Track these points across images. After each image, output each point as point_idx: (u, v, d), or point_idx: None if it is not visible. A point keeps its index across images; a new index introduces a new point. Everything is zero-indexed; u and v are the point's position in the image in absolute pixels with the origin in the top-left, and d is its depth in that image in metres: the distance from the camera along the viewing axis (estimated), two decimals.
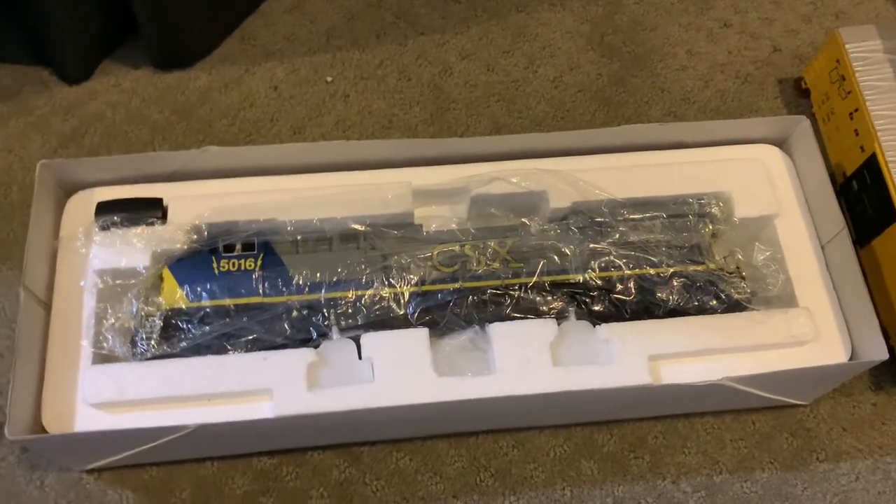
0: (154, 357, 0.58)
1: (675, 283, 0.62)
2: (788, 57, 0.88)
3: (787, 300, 0.64)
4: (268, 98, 0.83)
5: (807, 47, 0.89)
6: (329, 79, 0.84)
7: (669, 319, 0.62)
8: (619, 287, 0.62)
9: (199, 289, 0.60)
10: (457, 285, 0.61)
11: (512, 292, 0.61)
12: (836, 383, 0.67)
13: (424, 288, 0.61)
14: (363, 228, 0.63)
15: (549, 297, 0.61)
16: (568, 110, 0.84)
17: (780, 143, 0.71)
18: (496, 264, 0.62)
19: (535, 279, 0.61)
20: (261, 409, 0.58)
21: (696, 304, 0.62)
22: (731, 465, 0.67)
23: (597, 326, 0.61)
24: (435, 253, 0.62)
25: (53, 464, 0.64)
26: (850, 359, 0.62)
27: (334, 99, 0.83)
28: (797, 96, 0.85)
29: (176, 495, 0.64)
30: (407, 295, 0.60)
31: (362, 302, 0.60)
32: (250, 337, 0.59)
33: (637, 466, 0.67)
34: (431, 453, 0.67)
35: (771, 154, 0.71)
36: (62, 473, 0.64)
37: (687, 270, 0.63)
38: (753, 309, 0.63)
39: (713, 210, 0.66)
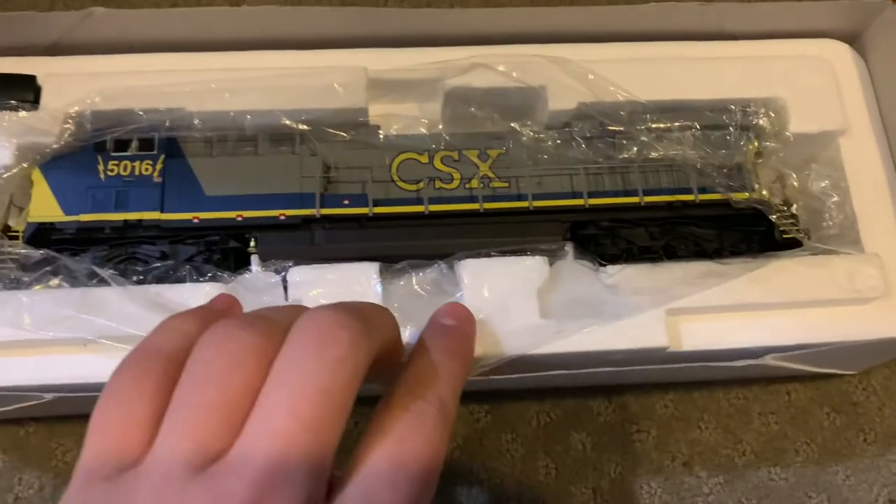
0: (11, 286, 0.44)
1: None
2: None
3: (849, 241, 0.50)
4: None
5: None
6: None
7: (696, 262, 0.47)
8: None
9: (78, 198, 0.46)
10: (421, 208, 0.47)
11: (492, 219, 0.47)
12: None
13: (377, 210, 0.47)
14: (300, 127, 0.48)
15: (541, 227, 0.47)
16: None
17: (850, 40, 0.55)
18: (474, 182, 0.48)
19: (524, 203, 0.47)
20: None
21: (733, 242, 0.48)
22: (758, 446, 0.54)
23: (601, 268, 0.46)
24: (394, 164, 0.48)
25: None
26: None
27: None
28: None
29: (57, 457, 0.51)
30: None
31: None
32: (143, 266, 0.45)
33: (640, 442, 0.54)
34: None
35: (839, 52, 0.55)
36: None
37: (724, 198, 0.48)
38: (806, 252, 0.48)
39: (761, 121, 0.51)
